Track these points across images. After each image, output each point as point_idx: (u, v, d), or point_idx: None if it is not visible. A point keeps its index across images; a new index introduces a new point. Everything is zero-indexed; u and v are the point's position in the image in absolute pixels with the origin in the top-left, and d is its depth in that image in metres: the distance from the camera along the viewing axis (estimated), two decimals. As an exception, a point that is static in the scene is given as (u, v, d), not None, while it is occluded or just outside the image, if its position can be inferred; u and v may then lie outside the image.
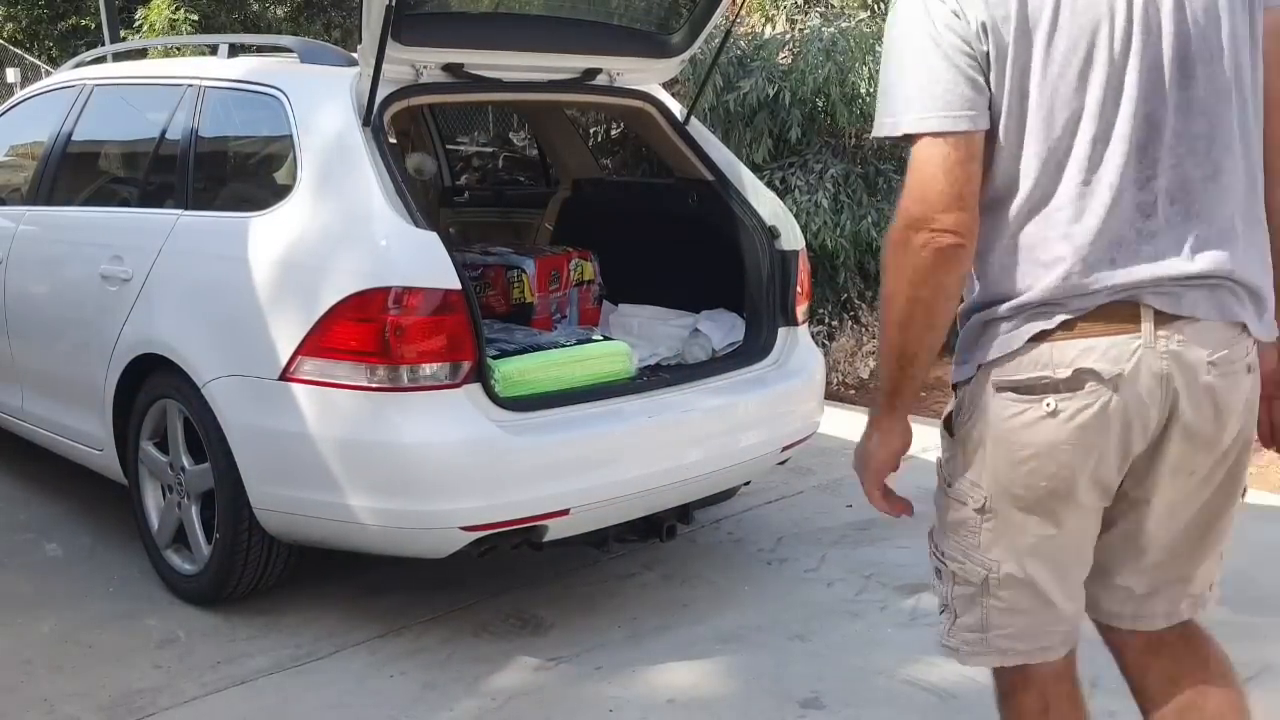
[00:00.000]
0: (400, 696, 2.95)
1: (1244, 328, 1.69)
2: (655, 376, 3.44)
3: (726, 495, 3.73)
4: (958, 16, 1.61)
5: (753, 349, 3.58)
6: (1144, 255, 1.64)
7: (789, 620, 3.28)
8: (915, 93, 1.64)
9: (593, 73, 3.65)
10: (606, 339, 3.57)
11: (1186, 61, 1.63)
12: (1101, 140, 1.63)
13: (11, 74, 14.07)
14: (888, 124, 1.67)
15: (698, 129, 3.91)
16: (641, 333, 3.82)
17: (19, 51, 14.88)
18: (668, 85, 4.01)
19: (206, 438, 3.25)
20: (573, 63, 3.61)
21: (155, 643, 3.23)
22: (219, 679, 3.03)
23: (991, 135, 1.65)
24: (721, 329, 3.71)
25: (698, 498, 3.40)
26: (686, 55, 3.78)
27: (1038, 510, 1.75)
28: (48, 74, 8.36)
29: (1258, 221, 1.71)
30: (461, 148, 6.68)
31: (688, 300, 3.91)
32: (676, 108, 3.91)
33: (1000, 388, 1.72)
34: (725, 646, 3.18)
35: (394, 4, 2.90)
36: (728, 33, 4.33)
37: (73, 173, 4.23)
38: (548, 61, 3.57)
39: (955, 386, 1.84)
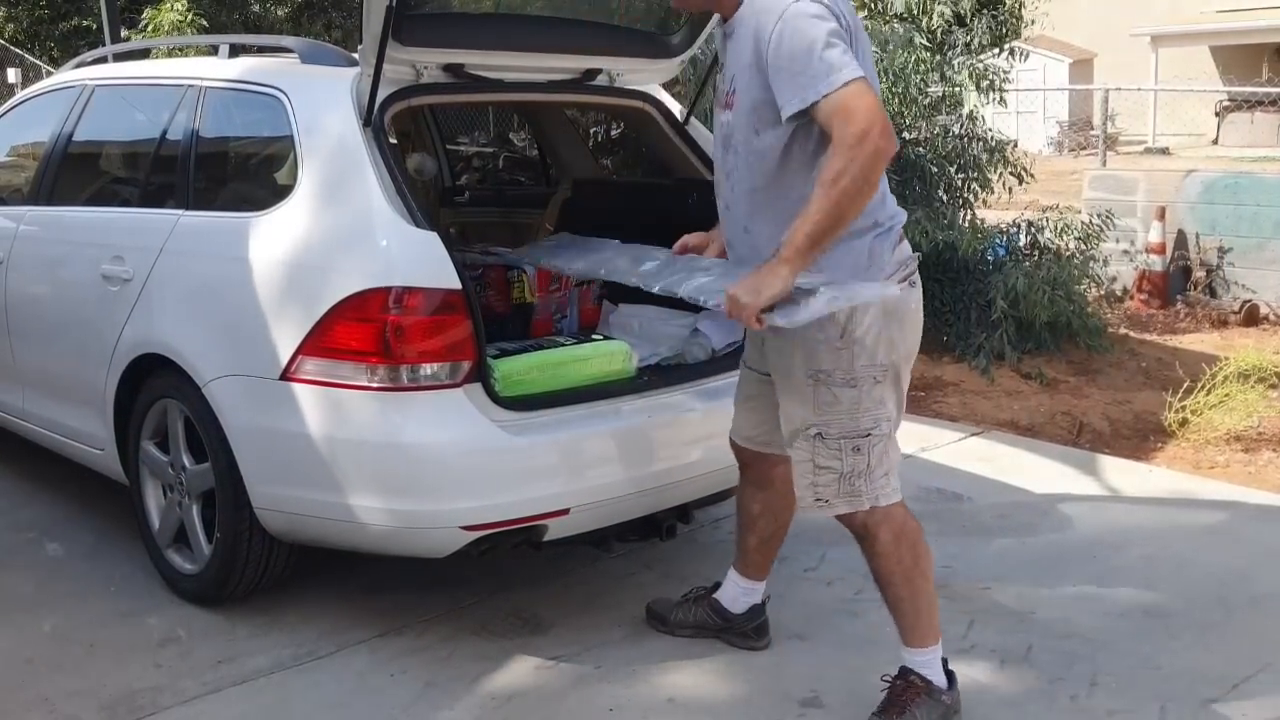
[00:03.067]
0: (401, 695, 2.95)
1: None
2: (655, 376, 3.44)
3: (726, 495, 3.72)
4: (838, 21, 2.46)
5: (753, 349, 3.58)
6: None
7: (788, 619, 3.28)
8: (836, 60, 2.39)
9: (593, 73, 3.66)
10: (606, 339, 3.57)
11: None
12: None
13: (13, 74, 14.09)
14: (814, 91, 2.39)
15: (698, 129, 3.92)
16: (641, 333, 3.82)
17: (20, 52, 14.89)
18: (668, 85, 4.02)
19: (207, 437, 3.26)
20: (573, 63, 3.61)
21: (156, 642, 3.24)
22: (220, 678, 3.04)
23: None
24: (721, 329, 3.71)
25: (698, 498, 3.40)
26: (686, 55, 3.78)
27: (910, 358, 2.69)
28: (49, 74, 8.38)
29: None
30: (462, 148, 6.69)
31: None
32: (676, 108, 3.92)
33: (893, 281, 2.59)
34: (725, 646, 3.18)
35: (394, 4, 2.90)
36: (728, 33, 4.32)
37: (74, 173, 4.23)
38: (548, 62, 3.57)
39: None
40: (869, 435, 2.61)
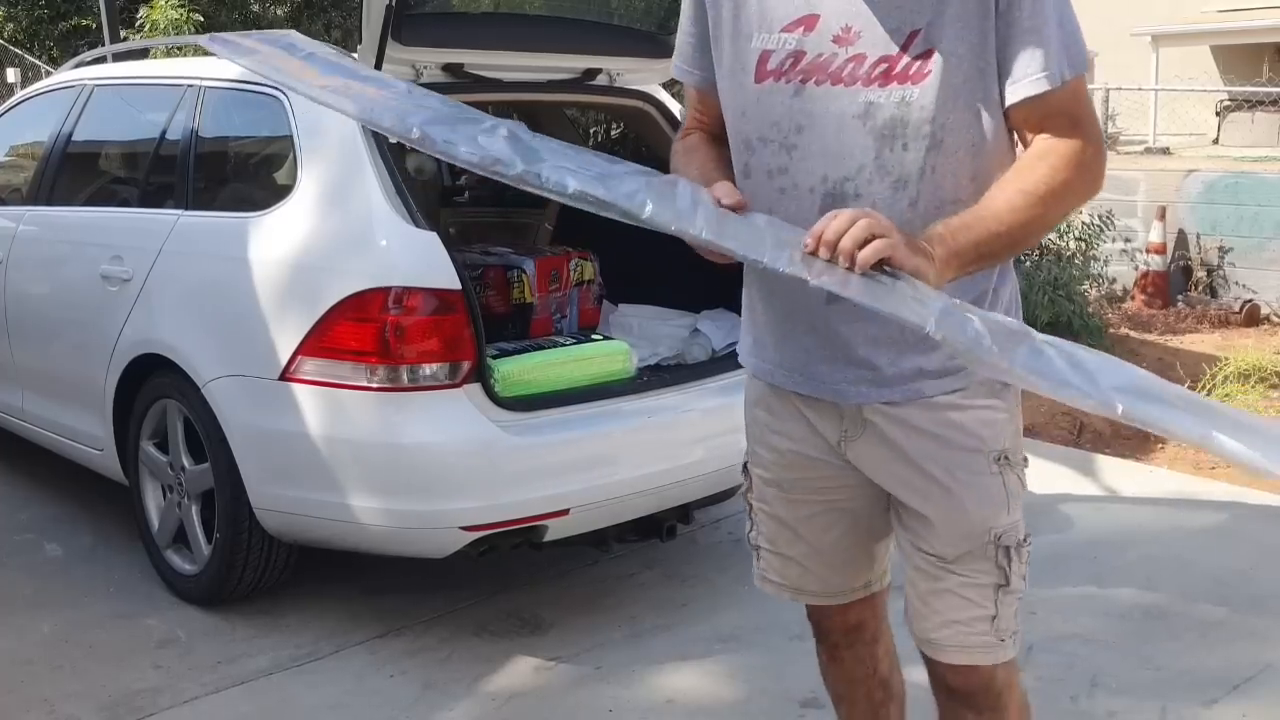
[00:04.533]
0: (400, 696, 2.95)
1: None
2: (655, 376, 3.43)
3: (727, 495, 3.72)
4: None
5: (753, 349, 3.58)
6: None
7: (789, 620, 3.27)
8: (1081, 36, 1.66)
9: (593, 73, 3.66)
10: (606, 339, 3.57)
11: None
12: None
13: (12, 74, 14.06)
14: (1080, 61, 1.65)
15: (698, 129, 3.91)
16: (641, 333, 3.82)
17: (19, 51, 14.87)
18: (668, 85, 4.01)
19: (206, 438, 3.26)
20: (573, 63, 3.61)
21: (155, 643, 3.24)
22: (219, 679, 3.03)
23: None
24: (721, 329, 3.71)
25: (698, 498, 3.40)
26: (686, 55, 3.77)
27: None
28: (48, 74, 8.38)
29: None
30: (462, 148, 6.67)
31: (688, 300, 3.91)
32: (676, 108, 3.91)
33: None
34: (725, 646, 3.18)
35: (394, 4, 2.90)
36: (728, 33, 4.32)
37: (73, 173, 4.23)
38: (548, 61, 3.57)
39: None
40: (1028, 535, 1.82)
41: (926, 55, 1.61)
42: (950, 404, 1.74)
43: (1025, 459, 1.81)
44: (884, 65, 1.63)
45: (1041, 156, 1.64)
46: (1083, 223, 7.32)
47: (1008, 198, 1.61)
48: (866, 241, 1.49)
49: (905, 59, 1.62)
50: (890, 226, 1.52)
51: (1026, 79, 1.62)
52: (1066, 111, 1.64)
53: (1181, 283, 9.08)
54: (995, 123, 1.67)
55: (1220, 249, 8.92)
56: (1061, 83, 1.61)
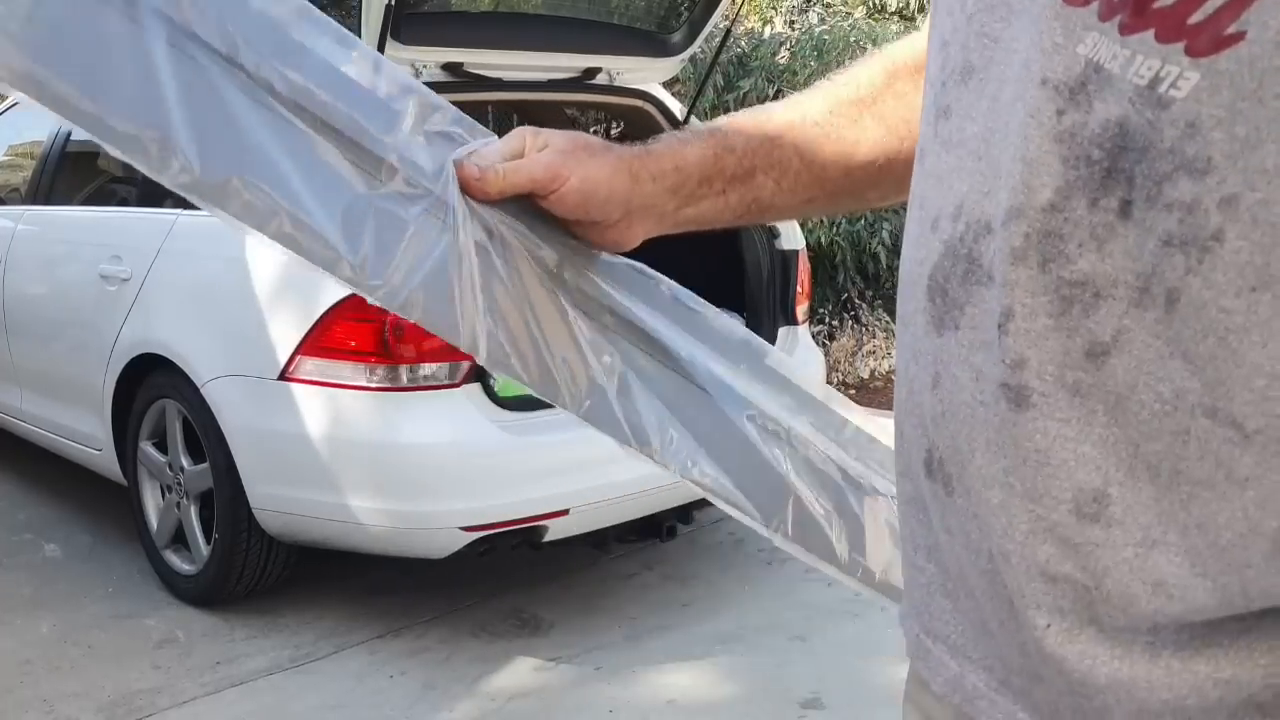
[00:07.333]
0: (400, 697, 2.94)
1: None
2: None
3: (726, 495, 3.72)
4: None
5: (753, 349, 3.58)
6: None
7: (789, 620, 3.28)
8: None
9: (592, 72, 3.65)
10: (606, 339, 3.57)
11: None
12: None
13: (10, 74, 14.07)
14: None
15: (698, 128, 3.90)
16: (641, 332, 3.82)
17: (18, 51, 14.89)
18: (668, 85, 4.01)
19: (205, 438, 3.25)
20: (572, 62, 3.60)
21: (154, 643, 3.23)
22: (218, 679, 3.03)
23: None
24: (721, 328, 3.71)
25: (698, 498, 3.39)
26: (686, 55, 3.77)
27: None
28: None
29: None
30: (461, 147, 6.68)
31: (687, 300, 3.90)
32: (676, 107, 3.91)
33: None
34: (725, 647, 3.18)
35: (394, 3, 2.89)
36: (727, 32, 4.32)
37: (72, 172, 4.23)
38: (548, 61, 3.56)
39: None
40: None
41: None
42: None
43: None
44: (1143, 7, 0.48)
45: None
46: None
47: None
48: None
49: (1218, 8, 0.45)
50: None
51: None
52: None
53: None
54: None
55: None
56: None
